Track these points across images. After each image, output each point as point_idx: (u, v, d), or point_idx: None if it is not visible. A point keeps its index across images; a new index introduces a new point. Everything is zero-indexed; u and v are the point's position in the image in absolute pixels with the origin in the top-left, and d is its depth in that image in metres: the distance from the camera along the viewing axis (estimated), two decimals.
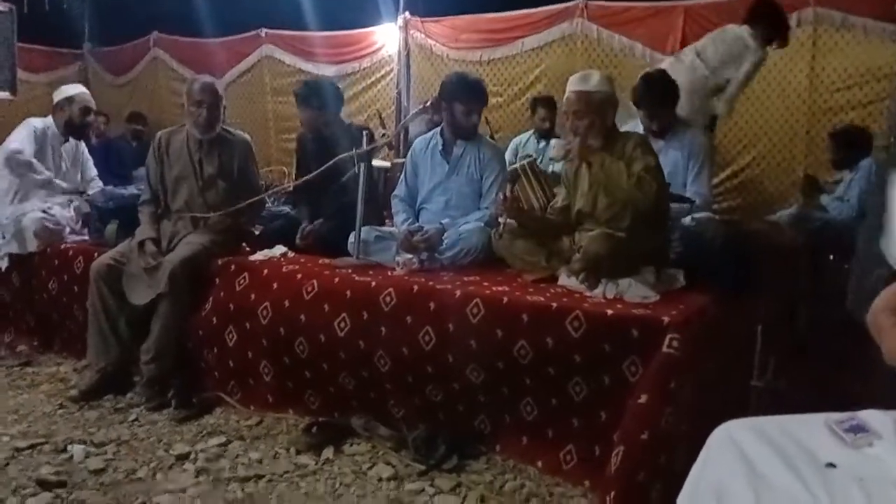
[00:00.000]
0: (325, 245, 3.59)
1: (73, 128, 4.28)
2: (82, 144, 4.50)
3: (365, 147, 3.34)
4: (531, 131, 5.50)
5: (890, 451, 1.14)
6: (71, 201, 4.25)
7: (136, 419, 3.06)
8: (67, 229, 4.12)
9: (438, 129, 3.66)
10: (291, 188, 3.99)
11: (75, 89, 4.39)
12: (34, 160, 4.17)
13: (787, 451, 1.16)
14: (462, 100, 3.47)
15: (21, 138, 4.16)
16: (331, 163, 3.40)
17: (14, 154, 4.13)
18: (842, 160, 4.85)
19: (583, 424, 2.52)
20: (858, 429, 1.19)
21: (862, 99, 5.04)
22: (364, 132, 3.56)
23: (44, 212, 4.03)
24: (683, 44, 5.29)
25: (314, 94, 3.89)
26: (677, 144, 3.68)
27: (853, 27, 4.96)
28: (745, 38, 4.21)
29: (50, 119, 4.26)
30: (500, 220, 3.13)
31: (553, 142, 3.08)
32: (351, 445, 2.79)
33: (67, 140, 4.33)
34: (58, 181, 4.26)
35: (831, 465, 1.14)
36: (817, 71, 5.14)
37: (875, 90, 4.98)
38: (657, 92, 3.70)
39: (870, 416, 1.21)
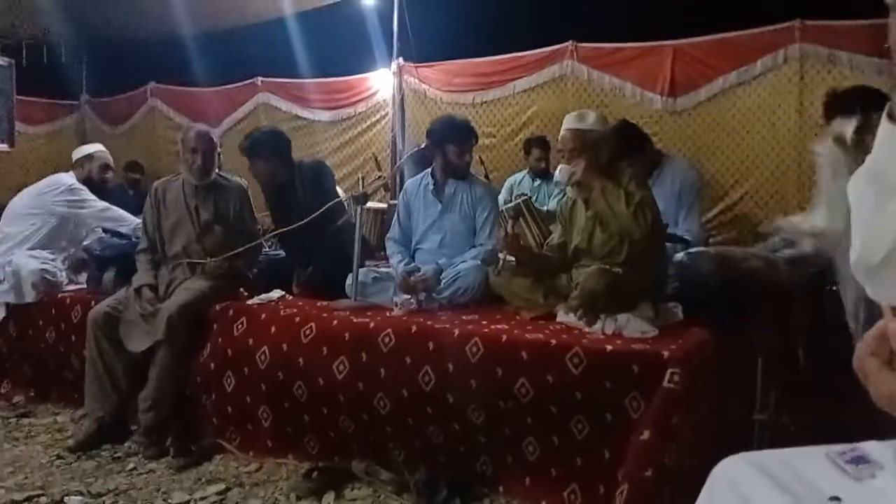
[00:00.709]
0: (322, 288, 3.59)
1: (93, 184, 4.38)
2: None
3: (360, 189, 3.37)
4: (525, 171, 5.56)
5: (893, 482, 1.13)
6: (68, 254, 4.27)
7: (134, 468, 3.02)
8: (66, 280, 4.12)
9: (429, 170, 3.71)
10: (277, 235, 3.99)
11: (94, 147, 4.57)
12: (124, 211, 4.30)
13: (791, 486, 1.15)
14: (455, 141, 3.54)
15: (90, 195, 4.25)
16: (325, 207, 3.42)
17: (104, 211, 4.24)
18: None
19: (586, 462, 2.50)
20: (860, 460, 1.17)
21: None
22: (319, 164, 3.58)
23: (43, 263, 4.03)
24: (672, 83, 5.36)
25: (260, 144, 3.91)
26: (666, 181, 3.71)
27: (840, 62, 5.02)
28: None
29: (73, 174, 4.36)
30: (500, 255, 3.15)
31: (559, 167, 3.12)
32: (352, 490, 2.76)
33: None
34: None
35: (835, 498, 1.13)
36: (805, 106, 5.18)
37: None
38: (623, 143, 3.74)
39: (871, 447, 1.20)
